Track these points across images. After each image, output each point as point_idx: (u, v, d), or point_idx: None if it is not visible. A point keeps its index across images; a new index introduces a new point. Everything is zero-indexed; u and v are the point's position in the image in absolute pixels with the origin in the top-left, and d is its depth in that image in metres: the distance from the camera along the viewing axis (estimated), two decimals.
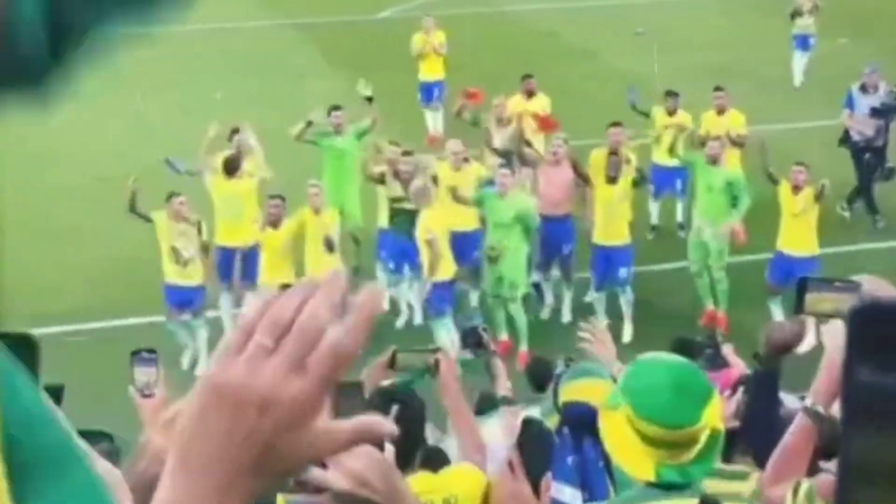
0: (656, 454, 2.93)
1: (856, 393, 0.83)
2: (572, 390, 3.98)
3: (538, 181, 12.10)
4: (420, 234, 11.03)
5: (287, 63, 20.73)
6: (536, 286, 12.37)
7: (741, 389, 4.73)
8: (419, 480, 3.94)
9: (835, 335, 2.61)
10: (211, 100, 18.93)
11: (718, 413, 3.01)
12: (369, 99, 13.07)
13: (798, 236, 11.45)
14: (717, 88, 13.81)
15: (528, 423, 4.45)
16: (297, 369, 0.99)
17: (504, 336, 11.42)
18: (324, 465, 1.34)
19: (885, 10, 21.95)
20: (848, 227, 13.76)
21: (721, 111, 13.48)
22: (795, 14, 18.83)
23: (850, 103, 14.26)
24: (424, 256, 11.04)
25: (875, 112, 13.87)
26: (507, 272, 11.30)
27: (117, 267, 12.92)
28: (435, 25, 17.45)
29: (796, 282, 2.43)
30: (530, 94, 14.38)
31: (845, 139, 14.21)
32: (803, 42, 18.80)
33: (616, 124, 12.39)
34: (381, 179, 12.12)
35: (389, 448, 2.93)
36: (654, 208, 14.04)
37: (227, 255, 11.77)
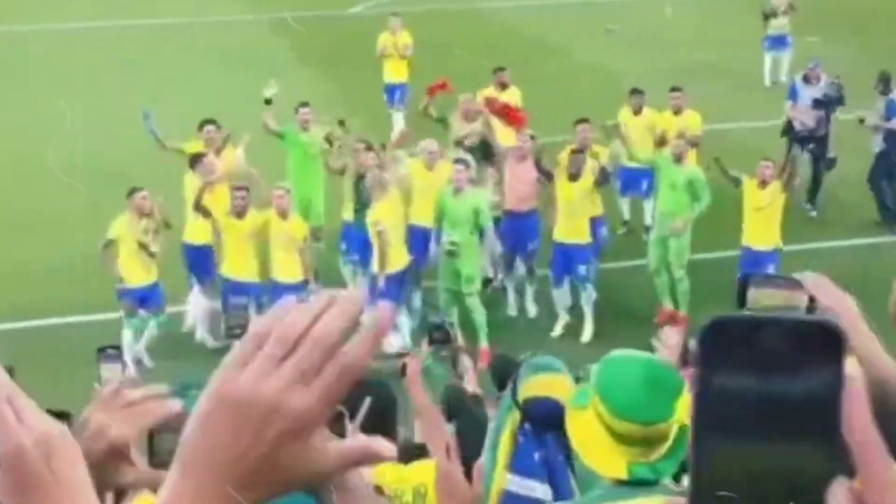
0: (628, 452, 2.91)
1: (708, 402, 0.87)
2: (533, 386, 3.95)
3: (504, 176, 12.12)
4: (370, 226, 11.15)
5: (258, 58, 20.65)
6: (488, 281, 12.34)
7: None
8: (390, 471, 3.93)
9: None
10: (184, 94, 18.85)
11: (687, 407, 3.00)
12: (268, 102, 12.86)
13: (762, 230, 11.53)
14: (674, 89, 13.82)
15: (457, 408, 4.50)
16: (304, 382, 0.99)
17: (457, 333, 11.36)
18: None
19: (853, 10, 22.11)
20: (815, 224, 13.84)
21: (677, 111, 13.48)
22: (770, 15, 18.86)
23: (793, 94, 14.66)
24: (375, 248, 11.17)
25: (817, 103, 14.20)
26: (464, 267, 11.34)
27: (77, 262, 12.81)
28: (401, 26, 17.21)
29: (738, 278, 2.40)
30: (503, 86, 14.34)
31: (788, 129, 14.52)
32: (779, 42, 18.85)
33: (583, 121, 12.42)
34: (342, 172, 12.11)
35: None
36: (624, 204, 14.08)
37: (195, 252, 11.74)
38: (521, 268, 12.32)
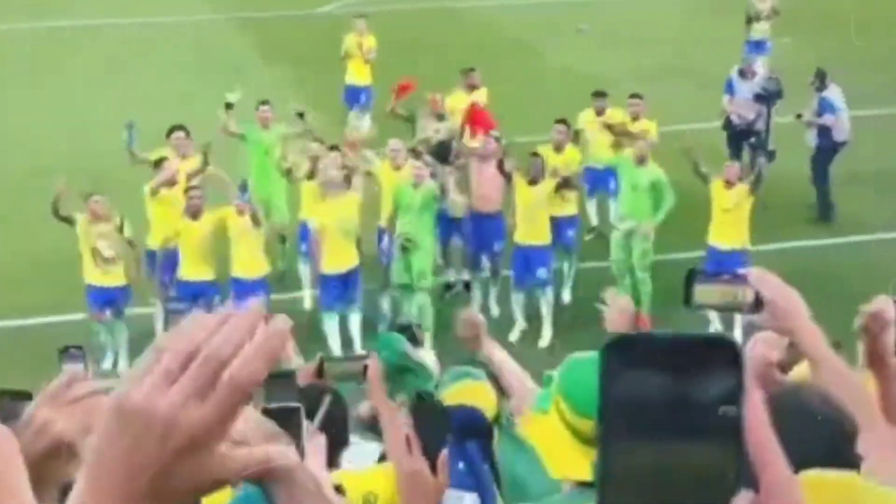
0: (592, 452, 2.85)
1: (612, 407, 0.94)
2: (453, 394, 3.94)
3: (472, 177, 12.07)
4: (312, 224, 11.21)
5: (225, 57, 20.51)
6: (466, 284, 12.36)
7: None
8: (339, 477, 3.85)
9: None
10: (150, 93, 18.69)
11: None
12: (229, 106, 12.77)
13: (729, 231, 11.50)
14: (634, 95, 13.67)
15: (420, 400, 4.42)
16: (199, 397, 1.00)
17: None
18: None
19: (828, 10, 22.18)
20: (782, 224, 13.83)
21: (635, 118, 13.34)
22: (753, 19, 18.77)
23: (729, 89, 14.91)
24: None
25: (758, 97, 14.55)
26: (416, 261, 11.31)
27: (41, 263, 12.66)
28: (367, 28, 17.05)
29: (685, 275, 2.41)
30: (473, 87, 14.26)
31: (727, 124, 14.76)
32: (760, 46, 18.78)
33: (561, 121, 12.38)
34: (310, 177, 12.00)
35: (322, 442, 2.85)
36: (590, 208, 13.95)
37: (155, 256, 11.60)
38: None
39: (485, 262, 12.18)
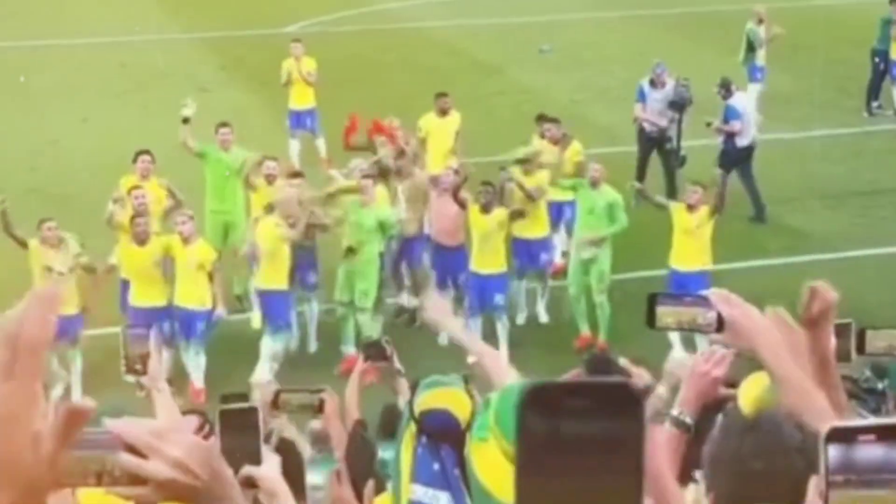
0: None
1: (526, 447, 1.05)
2: (428, 399, 4.03)
3: (431, 210, 12.05)
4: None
5: (190, 76, 20.47)
6: (414, 312, 12.07)
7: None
8: None
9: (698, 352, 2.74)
10: (111, 112, 18.62)
11: None
12: (186, 120, 12.75)
13: (690, 253, 11.55)
14: (549, 120, 13.49)
15: (353, 434, 4.48)
16: (5, 374, 1.12)
17: (351, 349, 11.25)
18: (142, 455, 1.35)
19: (804, 43, 22.41)
20: (744, 244, 13.96)
21: (554, 142, 13.22)
22: (757, 47, 18.69)
23: (641, 97, 15.56)
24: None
25: (672, 104, 15.29)
26: (360, 280, 11.35)
27: None
28: (304, 52, 16.84)
29: (647, 297, 2.46)
30: (444, 112, 14.16)
31: (640, 131, 15.36)
32: (759, 73, 18.74)
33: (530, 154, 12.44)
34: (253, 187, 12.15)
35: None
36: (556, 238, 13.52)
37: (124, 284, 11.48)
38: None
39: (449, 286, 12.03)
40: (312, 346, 11.97)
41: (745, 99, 15.25)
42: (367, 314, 11.42)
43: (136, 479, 1.33)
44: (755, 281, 11.78)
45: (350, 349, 11.33)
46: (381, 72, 20.90)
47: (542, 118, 13.72)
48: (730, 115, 15.00)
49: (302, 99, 16.68)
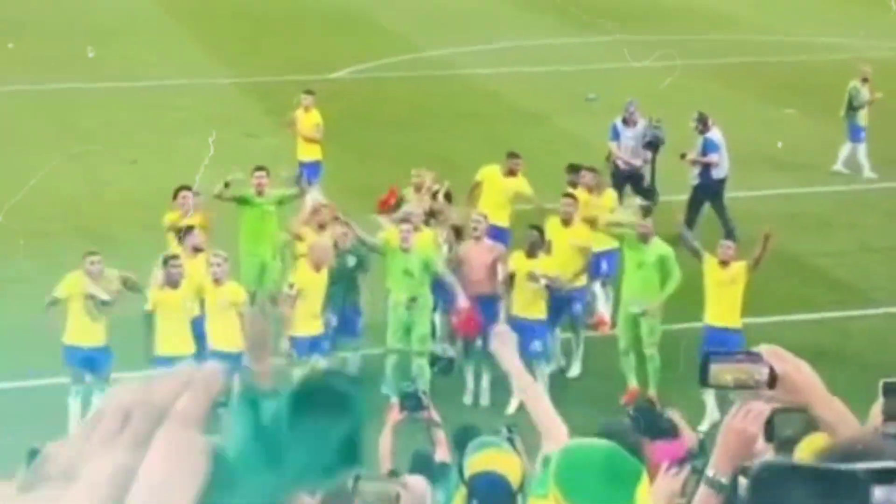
0: None
1: None
2: (478, 462, 3.98)
3: (464, 261, 11.90)
4: (286, 286, 11.27)
5: (235, 121, 20.66)
6: (451, 360, 11.74)
7: (689, 466, 4.54)
8: None
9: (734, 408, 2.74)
10: (160, 154, 18.81)
11: (647, 492, 2.93)
12: (226, 185, 12.79)
13: (725, 308, 11.31)
14: (583, 169, 13.57)
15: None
16: (143, 444, 1.03)
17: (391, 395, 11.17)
18: None
19: (827, 82, 22.30)
20: (793, 297, 13.79)
21: (588, 190, 13.22)
22: (859, 107, 18.51)
23: (615, 136, 16.20)
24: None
25: (648, 144, 16.08)
26: (418, 325, 11.28)
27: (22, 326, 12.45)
28: (313, 104, 16.64)
29: (701, 356, 2.48)
30: (512, 173, 13.92)
31: (614, 168, 15.81)
32: (861, 132, 18.54)
33: (568, 195, 12.38)
34: (300, 238, 12.09)
35: None
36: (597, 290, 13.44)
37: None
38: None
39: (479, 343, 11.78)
40: None
41: (720, 133, 15.86)
42: (425, 360, 11.31)
43: None
44: (804, 335, 11.61)
45: (391, 394, 11.24)
46: (426, 117, 20.99)
47: (572, 168, 13.75)
48: (708, 147, 15.57)
49: (307, 151, 16.45)
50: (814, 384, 2.44)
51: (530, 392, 4.74)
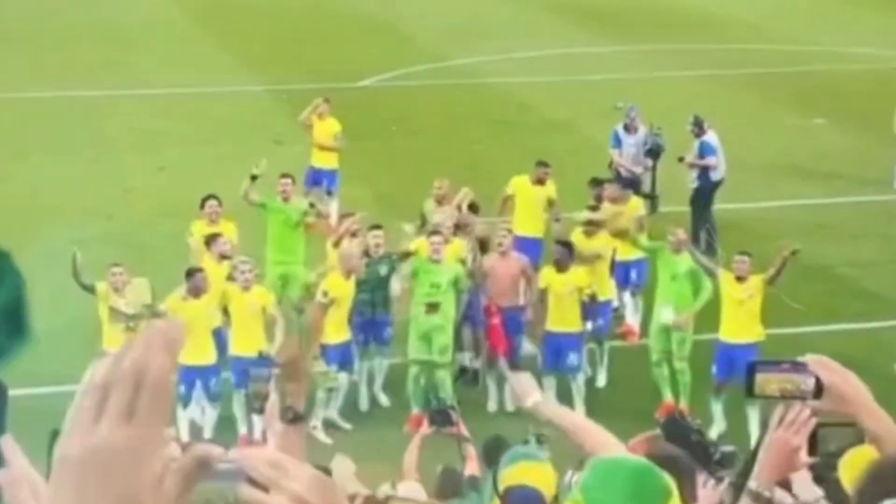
0: None
1: None
2: (512, 475, 3.95)
3: (489, 274, 11.85)
4: (318, 292, 11.14)
5: (264, 128, 20.72)
6: (476, 373, 11.95)
7: (727, 479, 4.50)
8: None
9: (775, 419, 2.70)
10: (187, 161, 18.87)
11: None
12: (254, 178, 12.91)
13: (741, 324, 11.18)
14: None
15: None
16: (127, 418, 1.06)
17: (418, 408, 11.13)
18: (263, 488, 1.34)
19: (856, 92, 22.20)
20: (821, 308, 13.68)
21: (613, 200, 13.21)
22: None
23: (617, 143, 16.26)
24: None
25: (649, 152, 16.14)
26: (439, 336, 11.22)
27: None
28: (328, 111, 16.44)
29: (747, 366, 2.46)
30: (541, 181, 13.94)
31: (616, 175, 15.64)
32: None
33: (592, 207, 12.35)
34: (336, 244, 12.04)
35: None
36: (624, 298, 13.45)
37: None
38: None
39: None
40: (383, 401, 11.90)
41: (716, 136, 15.92)
42: (446, 370, 11.30)
43: None
44: (833, 345, 11.49)
45: (417, 408, 11.23)
46: (453, 126, 20.98)
47: (596, 182, 13.80)
48: (705, 150, 15.66)
49: (322, 159, 16.31)
50: (861, 395, 2.41)
51: (585, 426, 4.68)
